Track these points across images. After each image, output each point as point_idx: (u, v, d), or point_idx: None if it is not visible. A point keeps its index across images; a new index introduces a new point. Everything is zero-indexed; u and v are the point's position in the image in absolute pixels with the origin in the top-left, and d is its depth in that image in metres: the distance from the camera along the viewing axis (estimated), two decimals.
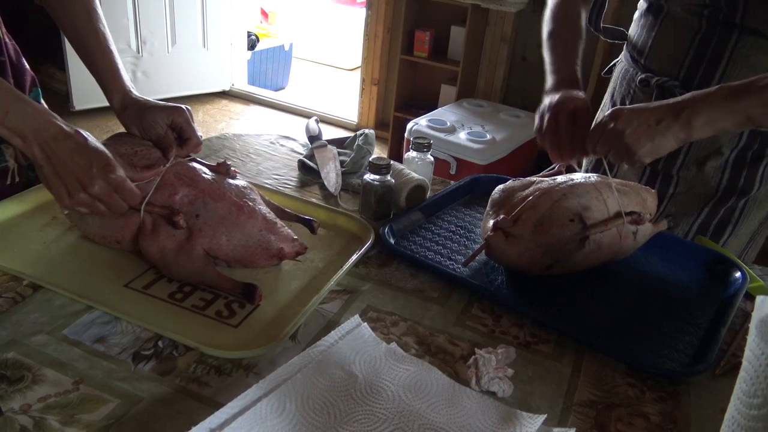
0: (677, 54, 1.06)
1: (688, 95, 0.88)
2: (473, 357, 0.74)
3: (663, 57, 1.09)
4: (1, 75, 1.03)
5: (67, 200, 0.79)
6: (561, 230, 0.86)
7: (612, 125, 0.88)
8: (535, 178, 0.97)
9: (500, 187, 0.97)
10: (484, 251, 0.91)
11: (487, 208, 0.96)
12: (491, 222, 0.91)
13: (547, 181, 0.94)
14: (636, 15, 1.16)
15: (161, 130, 0.91)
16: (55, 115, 0.79)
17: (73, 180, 0.78)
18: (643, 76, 1.10)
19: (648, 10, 1.12)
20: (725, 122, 0.86)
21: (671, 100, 0.88)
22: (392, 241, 0.97)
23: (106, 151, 0.80)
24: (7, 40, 1.05)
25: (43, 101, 1.14)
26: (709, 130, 0.87)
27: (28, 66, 1.10)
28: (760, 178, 1.09)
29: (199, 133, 0.95)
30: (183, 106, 0.94)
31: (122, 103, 0.94)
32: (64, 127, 0.78)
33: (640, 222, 0.93)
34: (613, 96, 1.22)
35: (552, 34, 1.13)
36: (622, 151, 0.89)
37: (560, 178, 0.94)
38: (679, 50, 1.06)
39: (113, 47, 0.97)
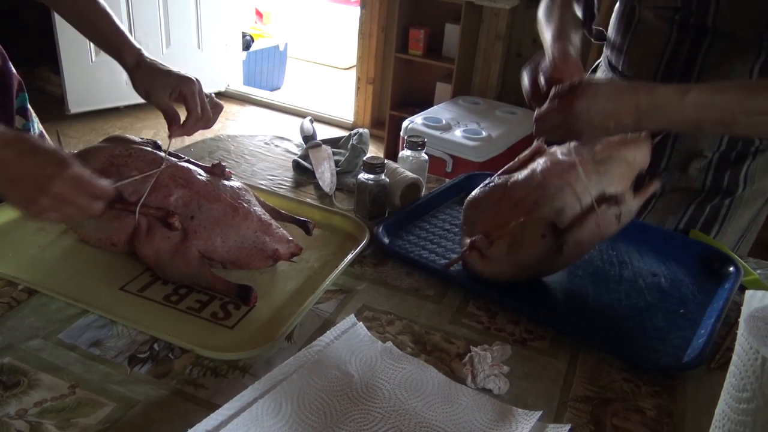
0: (650, 61, 1.05)
1: (659, 89, 0.81)
2: (468, 355, 0.74)
3: (638, 64, 1.09)
4: None
5: (30, 208, 0.72)
6: (534, 249, 0.85)
7: (569, 128, 0.83)
8: (514, 176, 0.92)
9: (467, 203, 0.95)
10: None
11: (461, 221, 0.95)
12: (467, 240, 0.91)
13: (520, 180, 0.90)
14: (612, 17, 1.15)
15: (165, 97, 0.92)
16: None
17: (29, 185, 0.71)
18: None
19: (622, 14, 1.11)
20: (676, 127, 0.87)
21: (640, 90, 0.81)
22: (386, 240, 0.97)
23: (57, 149, 0.75)
24: None
25: (29, 106, 1.14)
26: (654, 130, 0.86)
27: (14, 70, 1.10)
28: (744, 178, 1.08)
29: (221, 103, 0.96)
30: (192, 77, 0.94)
31: (137, 61, 0.95)
32: (7, 132, 0.73)
33: (620, 202, 0.87)
34: None
35: (546, 17, 1.12)
36: (568, 138, 0.86)
37: (535, 166, 0.91)
38: (652, 57, 1.05)
39: (115, 16, 0.98)
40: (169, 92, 0.92)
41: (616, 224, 0.89)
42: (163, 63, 0.96)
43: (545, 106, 0.84)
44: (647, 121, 0.81)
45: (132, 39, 0.97)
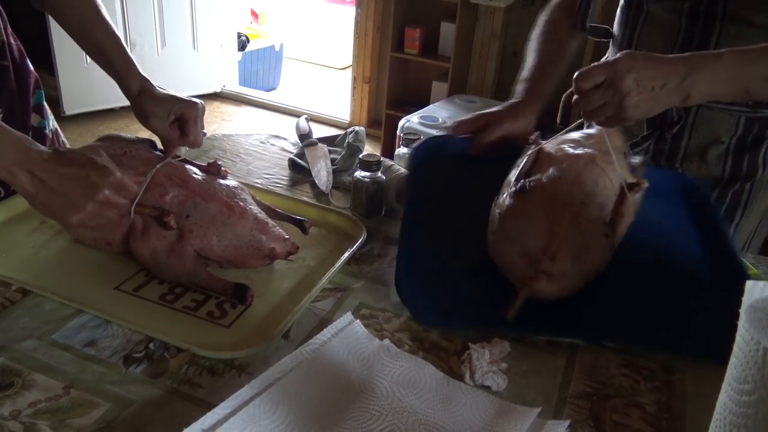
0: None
1: (694, 56, 0.82)
2: (467, 352, 0.74)
3: None
4: (4, 78, 1.03)
5: (75, 217, 0.75)
6: (601, 251, 0.79)
7: (614, 89, 0.79)
8: (537, 176, 0.84)
9: (506, 209, 0.81)
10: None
11: (491, 248, 0.84)
12: (522, 266, 0.79)
13: (549, 176, 0.82)
14: (618, 13, 1.15)
15: (164, 124, 0.91)
16: (33, 140, 0.77)
17: (76, 194, 0.75)
18: None
19: (628, 9, 1.11)
20: (723, 91, 0.82)
21: (677, 59, 0.82)
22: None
23: (94, 156, 0.78)
24: (12, 40, 1.05)
25: (45, 103, 1.14)
26: (702, 99, 0.82)
27: (32, 67, 1.10)
28: (763, 161, 1.09)
29: (204, 132, 0.95)
30: (198, 102, 0.94)
31: (141, 88, 0.94)
32: (44, 149, 0.76)
33: (642, 186, 0.83)
34: None
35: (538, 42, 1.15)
36: (615, 116, 0.82)
37: (560, 163, 0.84)
38: (663, 52, 1.05)
39: (121, 39, 0.98)
40: (168, 118, 0.92)
41: (634, 213, 0.86)
42: (163, 89, 0.95)
43: (587, 79, 0.80)
44: (692, 86, 0.80)
45: (136, 64, 0.96)
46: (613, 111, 0.81)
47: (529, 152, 0.90)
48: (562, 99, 0.90)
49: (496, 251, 0.84)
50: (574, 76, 0.82)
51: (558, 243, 0.76)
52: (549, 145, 0.90)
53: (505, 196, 0.84)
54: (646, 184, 0.85)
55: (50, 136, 1.14)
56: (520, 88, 1.13)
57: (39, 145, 0.77)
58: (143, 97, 0.94)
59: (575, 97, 0.83)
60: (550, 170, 0.83)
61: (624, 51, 0.82)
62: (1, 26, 1.02)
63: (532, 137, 0.93)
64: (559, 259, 0.76)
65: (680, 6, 1.01)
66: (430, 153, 1.08)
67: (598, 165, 0.83)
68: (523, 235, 0.79)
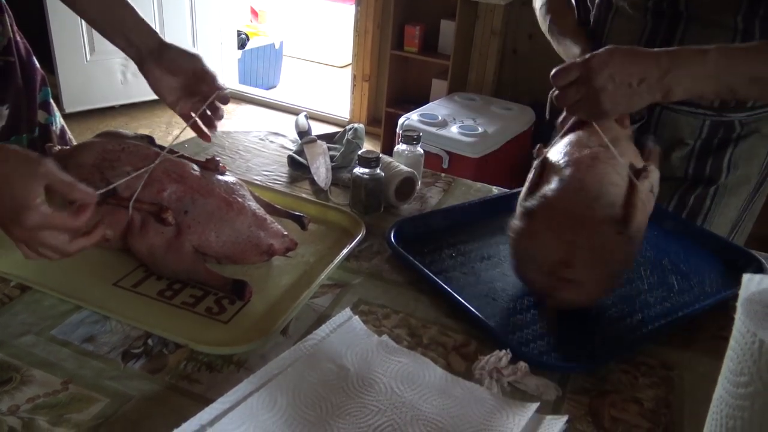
0: None
1: (680, 51, 0.82)
2: (486, 358, 0.72)
3: None
4: (11, 74, 1.02)
5: (17, 231, 0.66)
6: (618, 249, 0.78)
7: (588, 85, 0.80)
8: (543, 191, 0.82)
9: (518, 233, 0.82)
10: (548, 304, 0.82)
11: (515, 267, 0.85)
12: (534, 276, 0.82)
13: (552, 189, 0.81)
14: (594, 9, 1.15)
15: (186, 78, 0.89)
16: None
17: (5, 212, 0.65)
18: None
19: (600, 7, 1.11)
20: (706, 89, 0.82)
21: (658, 54, 0.81)
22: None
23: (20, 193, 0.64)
24: (18, 38, 1.05)
25: (51, 100, 1.14)
26: (684, 96, 0.82)
27: (38, 65, 1.10)
28: (727, 165, 1.08)
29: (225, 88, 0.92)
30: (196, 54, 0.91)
31: (160, 42, 0.90)
32: None
33: (649, 173, 0.82)
34: None
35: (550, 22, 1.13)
36: (591, 109, 0.82)
37: (563, 174, 0.82)
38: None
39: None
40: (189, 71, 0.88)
41: (652, 197, 0.85)
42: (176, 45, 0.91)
43: (562, 77, 0.81)
44: (674, 82, 0.80)
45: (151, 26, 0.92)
46: (590, 106, 0.81)
47: (535, 165, 0.89)
48: (550, 93, 0.91)
49: (519, 273, 0.86)
50: (551, 72, 0.82)
51: (571, 252, 0.77)
52: (552, 153, 0.87)
53: (515, 219, 0.84)
54: (653, 169, 0.84)
55: (57, 133, 1.14)
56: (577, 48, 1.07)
57: None
58: (171, 51, 0.89)
59: (555, 92, 0.83)
60: (553, 183, 0.82)
61: (606, 46, 0.82)
62: (8, 23, 1.02)
63: (536, 150, 0.91)
64: (575, 266, 0.77)
65: (645, 4, 1.01)
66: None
67: (601, 161, 0.82)
68: (538, 254, 0.80)
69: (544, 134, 0.96)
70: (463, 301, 0.82)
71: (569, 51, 1.08)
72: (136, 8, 0.92)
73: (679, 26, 0.99)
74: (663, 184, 1.08)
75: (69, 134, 1.20)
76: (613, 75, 0.79)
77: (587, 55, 0.81)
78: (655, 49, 0.82)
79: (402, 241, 0.94)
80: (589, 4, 1.16)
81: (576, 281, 0.78)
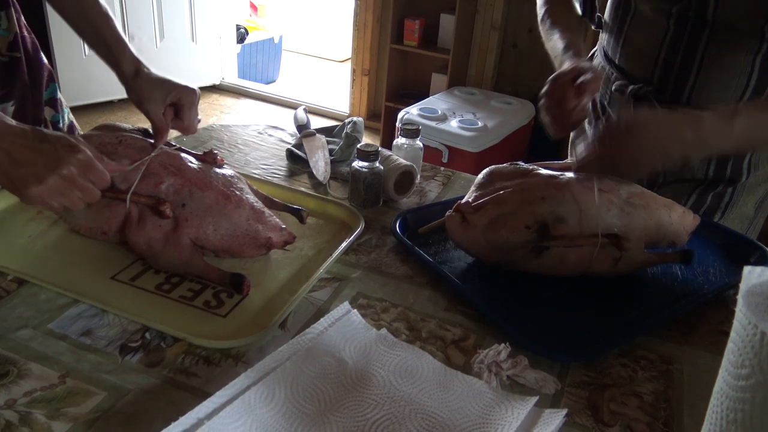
0: (649, 56, 1.04)
1: (704, 121, 0.81)
2: (486, 351, 0.72)
3: (634, 58, 1.08)
4: (17, 70, 1.02)
5: (35, 188, 0.72)
6: (511, 234, 0.83)
7: (615, 165, 0.83)
8: (541, 171, 0.90)
9: (488, 169, 0.93)
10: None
11: (472, 186, 0.93)
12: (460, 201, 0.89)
13: (544, 174, 0.88)
14: (608, 6, 1.14)
15: (158, 109, 0.89)
16: (5, 116, 0.75)
17: (40, 164, 0.72)
18: (618, 84, 1.09)
19: (617, 7, 1.10)
20: (726, 150, 0.84)
21: (684, 123, 0.81)
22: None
23: (73, 139, 0.76)
24: (25, 33, 1.04)
25: (60, 96, 1.13)
26: (702, 157, 0.84)
27: (45, 60, 1.09)
28: (747, 167, 1.07)
29: (198, 118, 0.93)
30: (195, 89, 0.92)
31: (136, 69, 0.91)
32: (19, 125, 0.74)
33: (623, 249, 0.83)
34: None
35: (549, 22, 1.13)
36: (607, 172, 0.85)
37: (563, 175, 0.87)
38: (650, 52, 1.03)
39: (115, 21, 0.96)
40: (164, 103, 0.89)
41: (611, 266, 0.85)
42: (158, 73, 0.92)
43: (585, 149, 0.84)
44: (695, 153, 0.82)
45: (131, 48, 0.94)
46: (606, 170, 0.85)
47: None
48: (540, 112, 0.94)
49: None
50: (576, 164, 0.86)
51: (491, 201, 0.85)
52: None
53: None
54: (627, 253, 0.84)
55: (65, 131, 1.13)
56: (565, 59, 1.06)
57: (13, 120, 0.75)
58: (139, 79, 0.91)
59: (576, 166, 0.86)
60: (550, 170, 0.89)
61: (620, 116, 0.83)
62: (15, 18, 1.01)
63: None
64: (479, 214, 0.85)
65: (669, 9, 0.99)
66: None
67: (587, 194, 0.85)
68: (485, 188, 0.89)
69: (544, 129, 0.96)
70: (462, 286, 0.83)
71: (555, 45, 1.07)
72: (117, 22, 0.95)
73: (704, 33, 0.97)
74: (682, 185, 1.09)
75: (78, 131, 1.19)
76: (636, 148, 0.81)
77: (603, 134, 0.82)
78: (680, 113, 0.82)
79: (407, 232, 0.96)
80: (596, 3, 1.15)
81: (467, 223, 0.86)
